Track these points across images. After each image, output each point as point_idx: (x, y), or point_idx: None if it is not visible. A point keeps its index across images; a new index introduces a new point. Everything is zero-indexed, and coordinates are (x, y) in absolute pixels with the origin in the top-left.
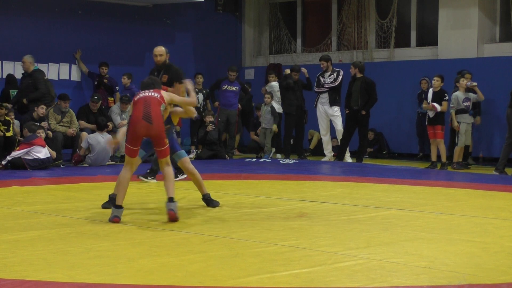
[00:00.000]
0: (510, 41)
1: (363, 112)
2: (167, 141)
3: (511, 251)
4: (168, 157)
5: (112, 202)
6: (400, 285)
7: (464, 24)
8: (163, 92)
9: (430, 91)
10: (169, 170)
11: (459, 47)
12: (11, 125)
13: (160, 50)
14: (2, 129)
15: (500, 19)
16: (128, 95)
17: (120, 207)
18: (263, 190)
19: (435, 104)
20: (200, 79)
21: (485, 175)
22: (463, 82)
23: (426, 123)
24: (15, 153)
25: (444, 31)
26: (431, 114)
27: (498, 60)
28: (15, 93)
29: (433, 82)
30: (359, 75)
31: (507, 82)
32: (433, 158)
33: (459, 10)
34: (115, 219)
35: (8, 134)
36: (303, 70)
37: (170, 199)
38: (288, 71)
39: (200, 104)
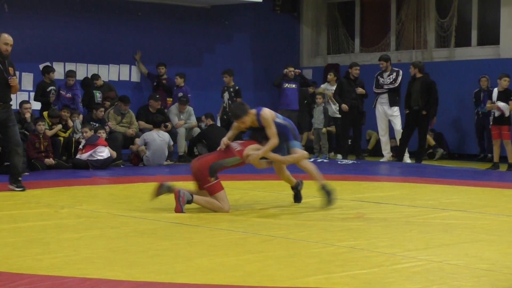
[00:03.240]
0: None
1: (424, 112)
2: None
3: None
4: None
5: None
6: (460, 287)
7: None
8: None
9: (495, 90)
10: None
11: None
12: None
13: (11, 39)
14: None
15: None
16: (188, 95)
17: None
18: None
19: (501, 105)
20: (227, 78)
21: None
22: None
23: (491, 123)
24: (84, 156)
25: (506, 29)
26: (497, 113)
27: None
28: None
29: (501, 81)
30: (418, 75)
31: None
32: (496, 159)
33: None
34: None
35: (65, 135)
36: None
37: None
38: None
39: (226, 104)
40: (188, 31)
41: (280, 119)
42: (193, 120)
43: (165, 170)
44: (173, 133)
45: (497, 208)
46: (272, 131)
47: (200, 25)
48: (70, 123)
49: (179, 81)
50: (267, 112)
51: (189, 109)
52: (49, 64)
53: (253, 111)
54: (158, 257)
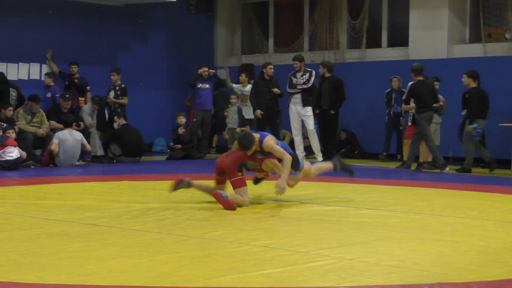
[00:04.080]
0: (480, 42)
1: (332, 112)
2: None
3: (480, 250)
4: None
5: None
6: (371, 284)
7: (435, 25)
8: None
9: None
10: None
11: (429, 47)
12: None
13: None
14: None
15: (470, 20)
16: (56, 95)
17: None
18: None
19: None
20: (115, 76)
21: (455, 175)
22: (436, 86)
23: (409, 123)
24: None
25: (415, 32)
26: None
27: (467, 61)
28: None
29: None
30: (327, 74)
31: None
32: (405, 157)
33: (429, 11)
34: None
35: None
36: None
37: None
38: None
39: (111, 104)
40: (101, 29)
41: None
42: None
43: (77, 171)
44: (86, 133)
45: (407, 206)
46: (279, 152)
47: (114, 24)
48: None
49: (48, 80)
50: (269, 140)
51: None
52: None
53: (257, 136)
54: (70, 259)
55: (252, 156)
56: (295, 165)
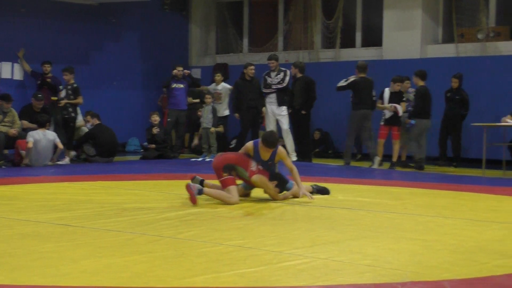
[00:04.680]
0: (452, 42)
1: (303, 112)
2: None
3: (453, 248)
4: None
5: None
6: (344, 283)
7: (408, 25)
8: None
9: (387, 91)
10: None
11: (403, 47)
12: None
13: None
14: None
15: (443, 20)
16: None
17: None
18: None
19: (397, 106)
20: (67, 76)
21: (427, 174)
22: (407, 85)
23: (382, 123)
24: None
25: (388, 32)
26: (388, 114)
27: (440, 61)
28: None
29: (394, 85)
30: (299, 75)
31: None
32: (380, 156)
33: (403, 12)
34: None
35: None
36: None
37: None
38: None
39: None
40: (75, 28)
41: None
42: (80, 120)
43: (49, 171)
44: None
45: (380, 205)
46: (289, 163)
47: (87, 23)
48: None
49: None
50: (283, 149)
51: (76, 109)
52: None
53: None
54: (43, 260)
55: (245, 164)
56: (282, 186)
